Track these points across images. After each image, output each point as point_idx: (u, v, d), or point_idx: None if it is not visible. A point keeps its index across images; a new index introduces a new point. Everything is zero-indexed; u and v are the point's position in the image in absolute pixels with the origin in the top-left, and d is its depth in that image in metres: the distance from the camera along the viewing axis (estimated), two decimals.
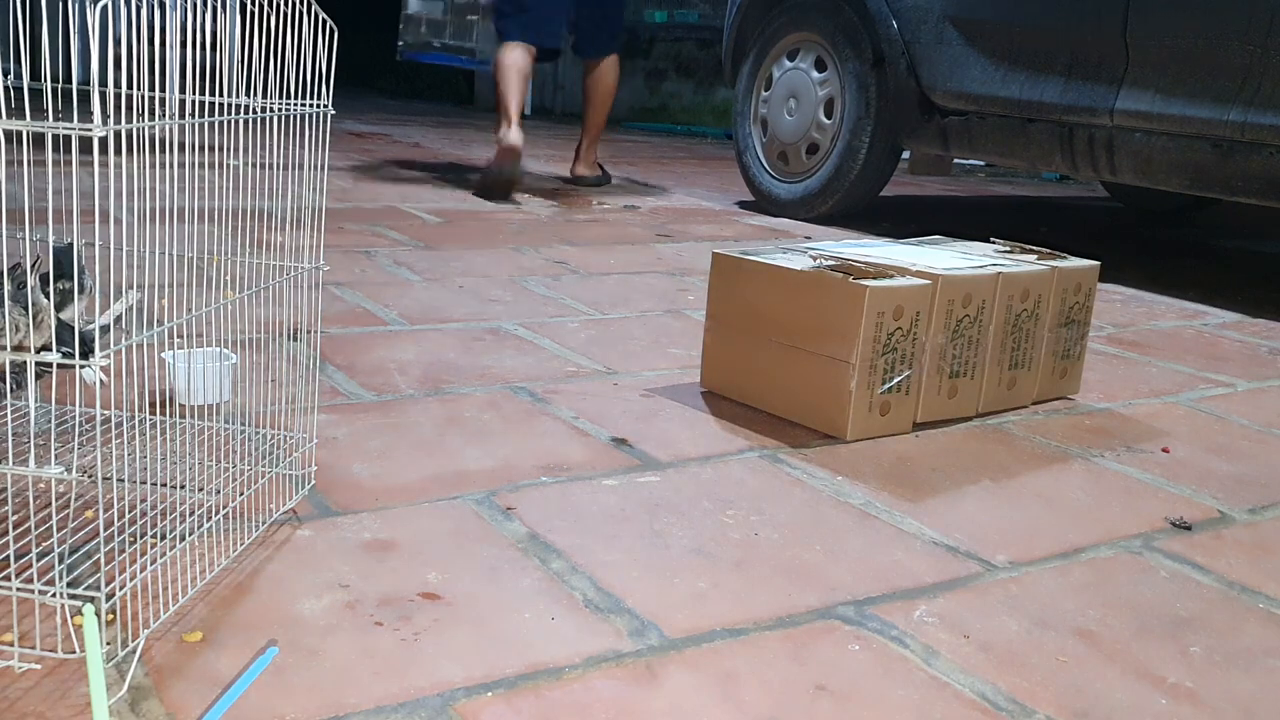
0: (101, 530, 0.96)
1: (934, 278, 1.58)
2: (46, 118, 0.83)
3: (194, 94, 1.03)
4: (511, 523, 1.20)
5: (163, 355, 1.50)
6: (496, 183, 3.71)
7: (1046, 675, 0.98)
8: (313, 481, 1.25)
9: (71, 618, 0.92)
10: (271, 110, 1.11)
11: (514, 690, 0.89)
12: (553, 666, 0.93)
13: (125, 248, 1.12)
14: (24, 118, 0.83)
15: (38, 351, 1.08)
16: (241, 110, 1.10)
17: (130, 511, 1.12)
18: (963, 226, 3.81)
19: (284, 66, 1.08)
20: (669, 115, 7.90)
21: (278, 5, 1.05)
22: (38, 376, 1.25)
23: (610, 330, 2.06)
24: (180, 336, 1.64)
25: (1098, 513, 1.36)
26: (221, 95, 1.09)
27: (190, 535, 1.09)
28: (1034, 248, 1.86)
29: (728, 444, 1.50)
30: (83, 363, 0.98)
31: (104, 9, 0.80)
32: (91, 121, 0.81)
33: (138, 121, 0.90)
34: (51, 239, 0.98)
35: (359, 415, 1.50)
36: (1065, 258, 1.80)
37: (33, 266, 1.10)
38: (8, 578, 0.92)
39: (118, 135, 0.87)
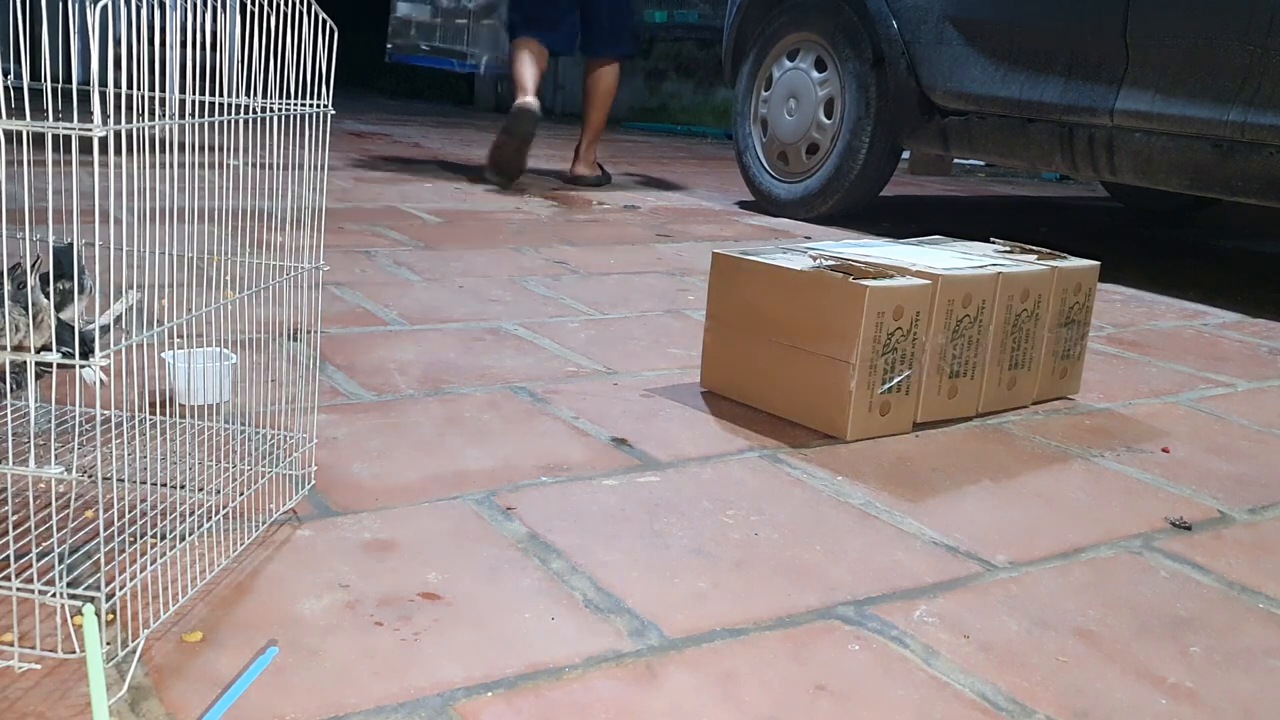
0: (101, 530, 0.96)
1: (934, 278, 1.58)
2: (46, 118, 0.83)
3: (194, 94, 1.03)
4: (511, 523, 1.20)
5: (163, 355, 1.50)
6: (507, 154, 3.86)
7: (1046, 675, 0.98)
8: (313, 481, 1.25)
9: (71, 618, 0.92)
10: (271, 110, 1.11)
11: (514, 690, 0.89)
12: (553, 666, 0.93)
13: (125, 248, 1.12)
14: (24, 118, 0.83)
15: (38, 351, 1.08)
16: (241, 110, 1.10)
17: (130, 511, 1.12)
18: (963, 226, 3.81)
19: (284, 66, 1.08)
20: (669, 115, 7.90)
21: (278, 5, 1.05)
22: (38, 376, 1.25)
23: (610, 330, 2.06)
24: (180, 336, 1.64)
25: (1098, 513, 1.36)
26: (221, 95, 1.09)
27: (190, 535, 1.09)
28: (1034, 248, 1.86)
29: (728, 444, 1.50)
30: (83, 363, 0.98)
31: (104, 9, 0.80)
32: (91, 121, 0.81)
33: (138, 121, 0.90)
34: (51, 239, 0.98)
35: (359, 415, 1.50)
36: (1065, 258, 1.80)
37: (33, 266, 1.10)
38: (8, 578, 0.93)
39: (118, 135, 0.87)
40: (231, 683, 0.87)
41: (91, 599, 0.91)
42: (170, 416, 1.39)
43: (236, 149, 1.23)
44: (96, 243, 1.11)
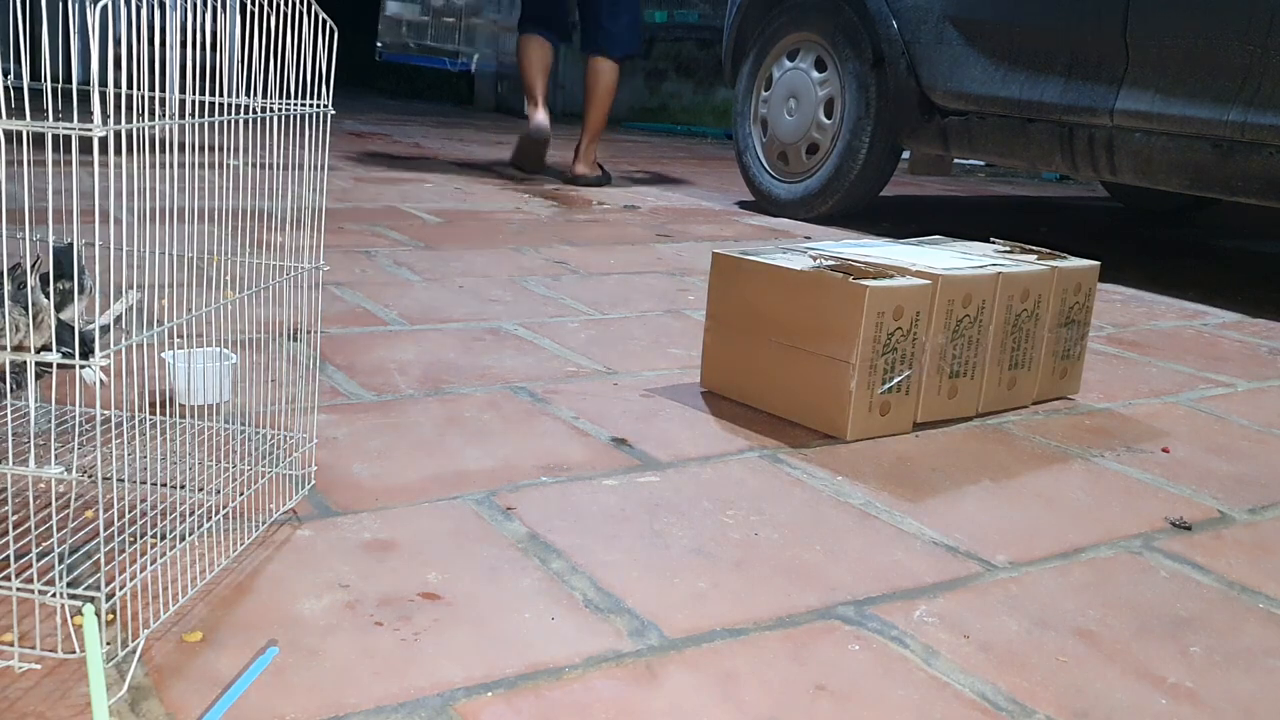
0: (101, 530, 0.96)
1: (934, 278, 1.58)
2: (46, 118, 0.83)
3: (194, 94, 1.03)
4: (511, 523, 1.20)
5: (163, 355, 1.50)
6: (526, 156, 4.26)
7: (1046, 675, 0.98)
8: (313, 481, 1.25)
9: (71, 618, 0.92)
10: (271, 110, 1.11)
11: (514, 690, 0.89)
12: (553, 666, 0.93)
13: (125, 248, 1.12)
14: (24, 118, 0.83)
15: (38, 351, 1.08)
16: (241, 110, 1.10)
17: (130, 511, 1.12)
18: (963, 226, 3.81)
19: (284, 66, 1.08)
20: (669, 115, 7.90)
21: (278, 5, 1.05)
22: (38, 376, 1.25)
23: (610, 330, 2.06)
24: (180, 336, 1.64)
25: (1098, 513, 1.36)
26: (221, 95, 1.09)
27: (190, 535, 1.09)
28: (1034, 248, 1.86)
29: (728, 444, 1.50)
30: (83, 363, 0.98)
31: (104, 9, 0.80)
32: (91, 121, 0.81)
33: (138, 121, 0.90)
34: (51, 239, 0.98)
35: (359, 415, 1.50)
36: (1065, 258, 1.80)
37: (33, 266, 1.10)
38: (8, 578, 0.92)
39: (118, 135, 0.87)
40: (231, 683, 0.87)
41: (91, 599, 0.91)
42: (170, 416, 1.39)
43: (236, 149, 1.23)
44: (96, 243, 1.11)
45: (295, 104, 1.12)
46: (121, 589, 0.97)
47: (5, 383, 1.17)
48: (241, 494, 1.19)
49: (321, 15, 1.10)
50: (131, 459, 1.23)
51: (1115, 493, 1.43)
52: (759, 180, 3.88)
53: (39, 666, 0.86)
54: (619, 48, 4.18)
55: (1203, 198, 4.02)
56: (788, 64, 3.75)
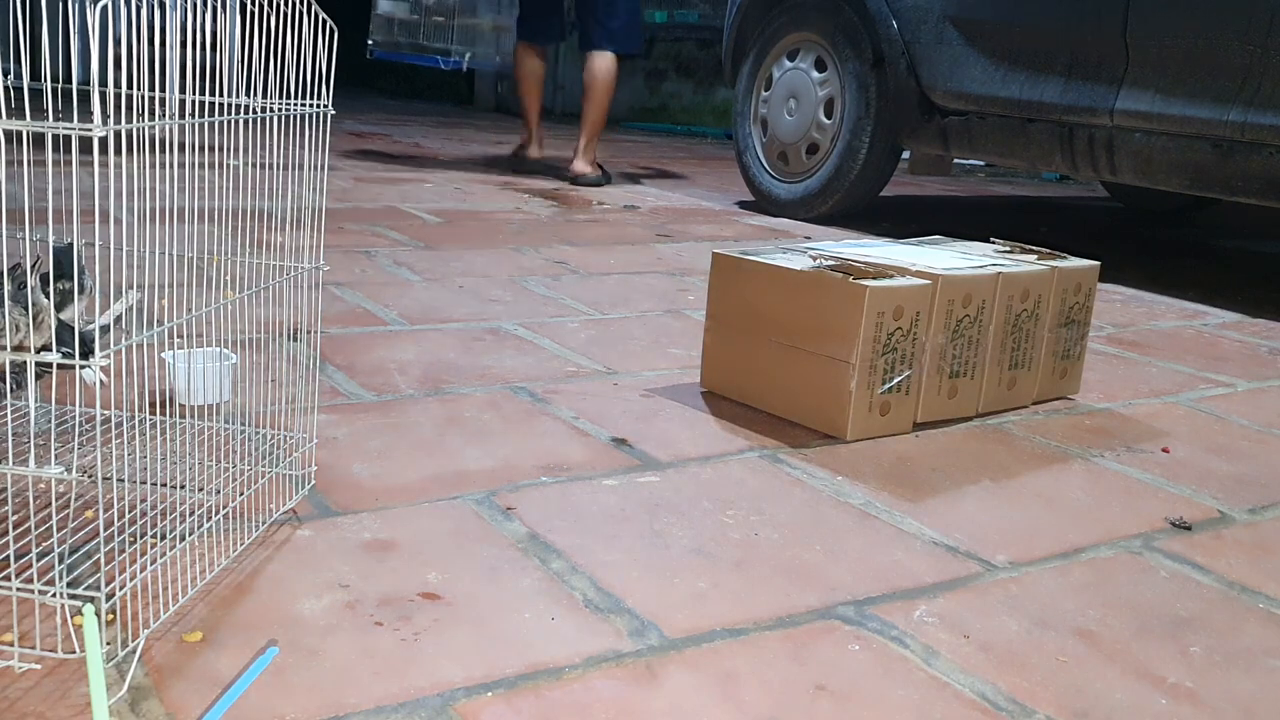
0: (101, 530, 0.96)
1: (934, 278, 1.58)
2: (46, 118, 0.83)
3: (194, 94, 1.03)
4: (511, 523, 1.20)
5: (163, 355, 1.50)
6: (522, 165, 4.59)
7: (1046, 675, 0.98)
8: (313, 481, 1.25)
9: (71, 618, 0.92)
10: (271, 110, 1.11)
11: (514, 690, 0.89)
12: (553, 666, 0.93)
13: (125, 248, 1.12)
14: (24, 118, 0.83)
15: (38, 351, 1.08)
16: (241, 110, 1.10)
17: (130, 511, 1.12)
18: (963, 226, 3.81)
19: (284, 66, 1.08)
20: (669, 115, 7.90)
21: (278, 5, 1.05)
22: (38, 376, 1.25)
23: (610, 330, 2.06)
24: (180, 336, 1.64)
25: (1098, 513, 1.36)
26: (221, 95, 1.09)
27: (190, 535, 1.09)
28: (1034, 248, 1.86)
29: (728, 444, 1.50)
30: (83, 363, 0.98)
31: (104, 9, 0.80)
32: (91, 121, 0.81)
33: (138, 121, 0.90)
34: (51, 239, 0.98)
35: (359, 415, 1.50)
36: (1065, 258, 1.80)
37: (33, 266, 1.10)
38: (8, 578, 0.93)
39: (118, 135, 0.87)
40: (231, 683, 0.87)
41: (91, 599, 0.91)
42: (170, 416, 1.39)
43: (236, 149, 1.23)
44: (96, 243, 1.11)
45: (295, 104, 1.12)
46: (121, 589, 0.97)
47: (5, 383, 1.17)
48: (241, 494, 1.19)
49: (321, 15, 1.10)
50: (131, 459, 1.23)
51: (1115, 493, 1.43)
52: (759, 180, 3.88)
53: (39, 666, 0.86)
54: (616, 44, 4.17)
55: (1203, 198, 4.02)
56: (788, 64, 3.75)
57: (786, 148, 3.75)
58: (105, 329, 1.24)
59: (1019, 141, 3.09)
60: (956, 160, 5.96)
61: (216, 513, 1.13)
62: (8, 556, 1.00)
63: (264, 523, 1.14)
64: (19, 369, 1.15)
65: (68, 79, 0.86)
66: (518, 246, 2.85)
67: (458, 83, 9.06)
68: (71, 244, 1.01)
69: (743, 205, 4.01)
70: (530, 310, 2.16)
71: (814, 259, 1.64)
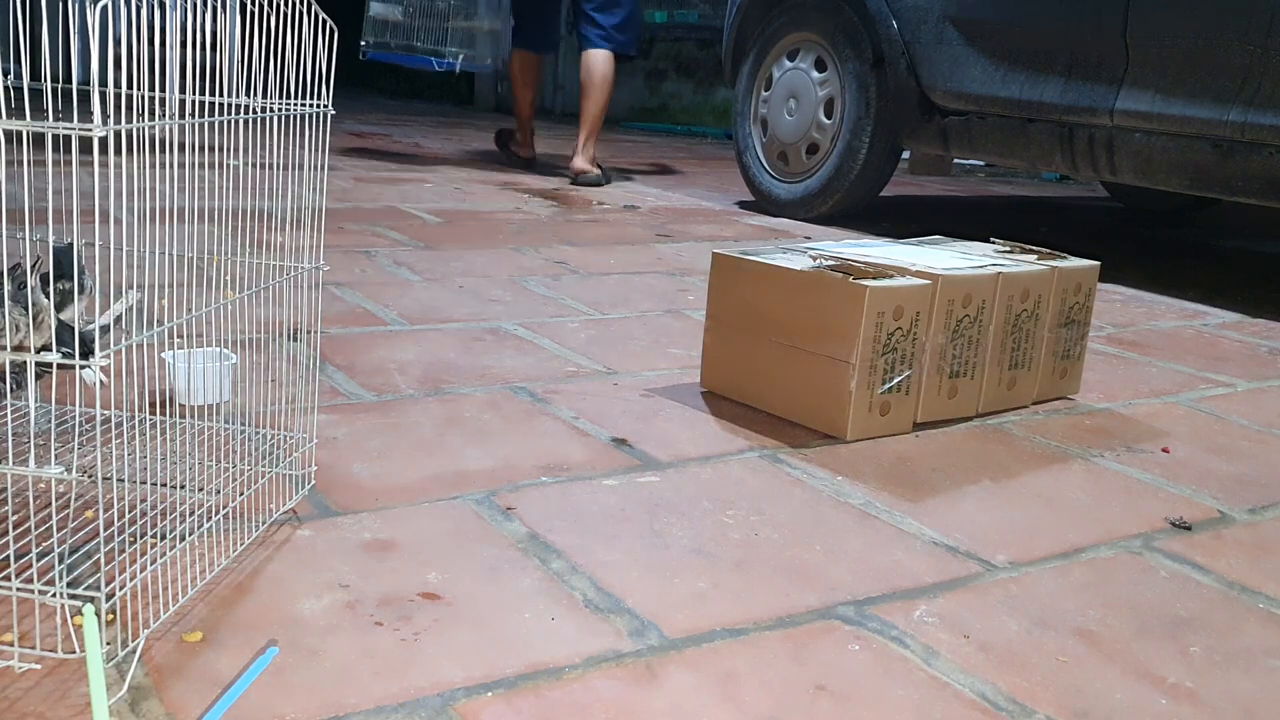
0: (101, 530, 0.96)
1: (934, 278, 1.58)
2: (46, 118, 0.83)
3: (194, 94, 1.03)
4: (511, 523, 1.20)
5: (163, 355, 1.50)
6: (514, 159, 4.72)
7: (1046, 675, 0.98)
8: (313, 481, 1.25)
9: (71, 618, 0.92)
10: (271, 110, 1.11)
11: (514, 690, 0.89)
12: (553, 666, 0.93)
13: (125, 248, 1.12)
14: (24, 118, 0.83)
15: (38, 351, 1.08)
16: (241, 110, 1.10)
17: (130, 511, 1.12)
18: (963, 226, 3.81)
19: (284, 66, 1.08)
20: (669, 115, 7.90)
21: (278, 5, 1.05)
22: (38, 376, 1.25)
23: (610, 330, 2.06)
24: (180, 336, 1.64)
25: (1098, 513, 1.36)
26: (221, 95, 1.09)
27: (190, 535, 1.09)
28: (1034, 248, 1.86)
29: (728, 444, 1.50)
30: (83, 363, 0.98)
31: (104, 9, 0.80)
32: (91, 121, 0.81)
33: (138, 121, 0.90)
34: (51, 239, 0.98)
35: (359, 415, 1.50)
36: (1065, 258, 1.80)
37: (33, 266, 1.10)
38: (8, 578, 0.93)
39: (118, 135, 0.87)
40: (231, 683, 0.87)
41: (91, 599, 0.91)
42: (170, 416, 1.39)
43: (236, 149, 1.23)
44: (96, 243, 1.11)
45: (295, 104, 1.12)
46: (121, 589, 0.97)
47: (5, 383, 1.17)
48: (241, 494, 1.19)
49: (321, 15, 1.10)
50: (131, 459, 1.23)
51: (1115, 493, 1.43)
52: (759, 180, 3.88)
53: (39, 666, 0.86)
54: (613, 42, 4.18)
55: (1203, 198, 4.02)
56: (788, 64, 3.75)
57: (786, 148, 3.75)
58: (105, 329, 1.24)
59: (1019, 141, 3.09)
60: (956, 160, 5.96)
61: (216, 513, 1.13)
62: (8, 556, 1.00)
63: (264, 523, 1.14)
64: (19, 369, 1.15)
65: (68, 79, 0.86)
66: (518, 246, 2.85)
67: (458, 83, 9.07)
68: (71, 244, 1.01)
69: (743, 205, 4.01)
70: (530, 310, 2.16)
71: (814, 259, 1.64)
